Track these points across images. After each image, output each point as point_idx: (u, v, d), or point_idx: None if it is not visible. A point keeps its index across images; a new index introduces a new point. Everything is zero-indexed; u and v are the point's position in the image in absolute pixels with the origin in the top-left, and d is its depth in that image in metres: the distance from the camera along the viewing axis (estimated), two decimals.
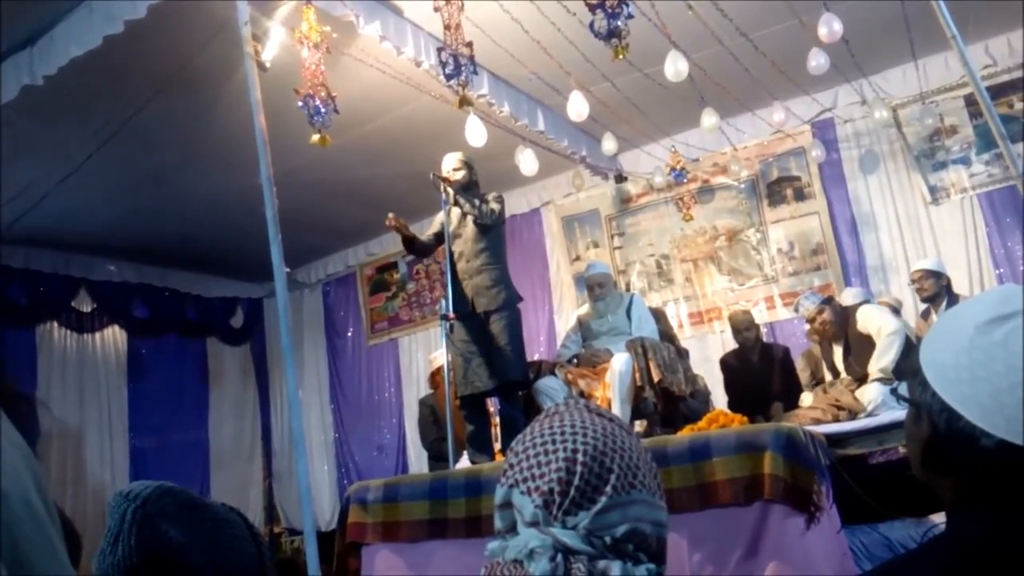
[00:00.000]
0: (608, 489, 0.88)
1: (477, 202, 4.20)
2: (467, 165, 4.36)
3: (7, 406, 0.44)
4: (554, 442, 0.91)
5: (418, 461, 7.41)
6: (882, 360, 4.15)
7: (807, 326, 4.90)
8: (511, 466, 0.94)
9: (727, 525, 2.74)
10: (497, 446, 4.30)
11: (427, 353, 7.29)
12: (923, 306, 5.15)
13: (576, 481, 0.88)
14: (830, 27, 4.38)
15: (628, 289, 6.63)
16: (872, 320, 4.36)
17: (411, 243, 4.42)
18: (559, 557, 0.84)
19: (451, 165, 4.34)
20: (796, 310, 4.88)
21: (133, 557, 0.89)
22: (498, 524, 0.94)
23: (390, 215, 4.22)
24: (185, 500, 0.98)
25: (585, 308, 4.96)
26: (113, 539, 0.90)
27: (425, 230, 4.59)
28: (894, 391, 3.85)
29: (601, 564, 0.84)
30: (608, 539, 0.86)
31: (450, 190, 4.23)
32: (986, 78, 5.21)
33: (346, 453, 8.43)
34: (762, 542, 2.68)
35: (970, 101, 5.61)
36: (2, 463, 0.36)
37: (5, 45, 4.11)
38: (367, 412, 8.37)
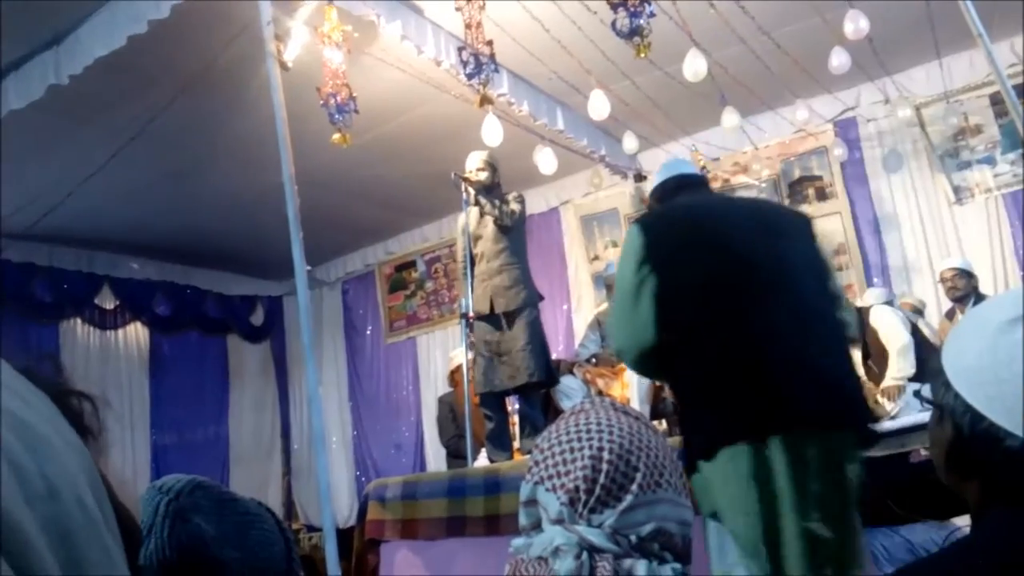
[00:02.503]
0: (634, 487, 0.87)
1: (497, 203, 4.19)
2: (491, 166, 4.33)
3: (66, 405, 0.44)
4: (580, 440, 0.91)
5: (435, 459, 7.42)
6: (899, 376, 4.12)
7: None
8: (537, 463, 0.94)
9: None
10: (516, 444, 4.31)
11: (445, 351, 7.31)
12: (947, 306, 5.08)
13: (602, 479, 0.88)
14: (856, 24, 4.31)
15: None
16: (881, 327, 4.31)
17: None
18: (584, 555, 0.84)
19: (475, 165, 4.32)
20: None
21: (165, 549, 0.90)
22: (523, 521, 0.94)
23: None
24: (217, 494, 1.00)
25: (604, 307, 4.95)
26: (146, 531, 0.91)
27: (444, 234, 4.53)
28: (917, 393, 3.82)
29: (627, 563, 0.84)
30: (634, 538, 0.86)
31: (471, 190, 4.22)
32: (1011, 76, 5.12)
33: (364, 451, 8.47)
34: None
35: (995, 100, 5.53)
36: (55, 461, 0.36)
37: (31, 45, 4.16)
38: (385, 410, 8.40)
